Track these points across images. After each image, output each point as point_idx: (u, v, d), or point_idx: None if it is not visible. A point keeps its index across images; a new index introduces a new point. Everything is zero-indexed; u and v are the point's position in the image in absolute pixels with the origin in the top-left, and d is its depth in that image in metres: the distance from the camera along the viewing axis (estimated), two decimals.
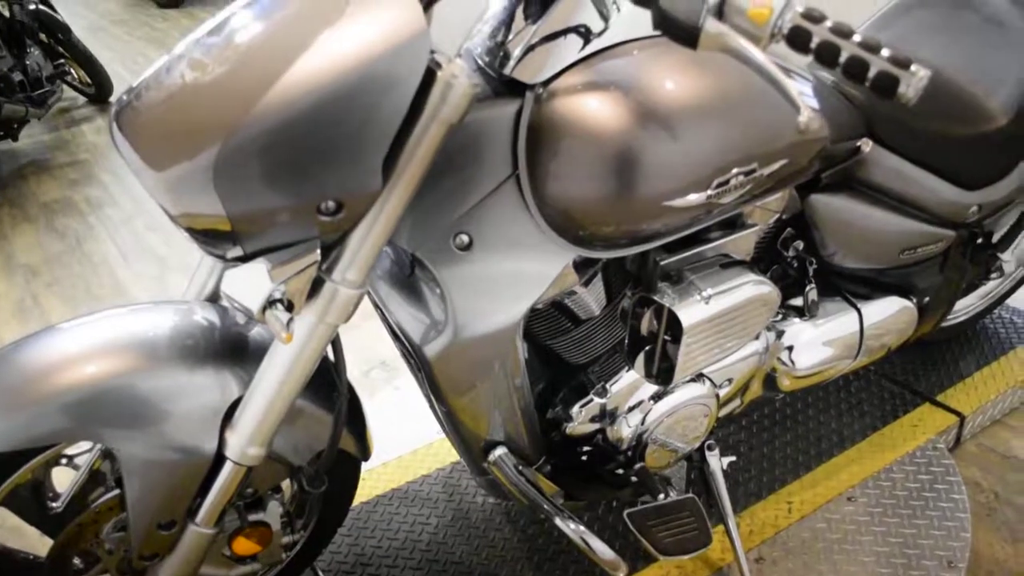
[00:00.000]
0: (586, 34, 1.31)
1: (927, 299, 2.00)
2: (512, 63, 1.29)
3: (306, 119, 1.06)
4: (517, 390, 1.50)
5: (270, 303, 1.13)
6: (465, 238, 1.33)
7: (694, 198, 1.36)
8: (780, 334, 1.79)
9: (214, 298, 1.46)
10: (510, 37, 1.32)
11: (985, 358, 2.44)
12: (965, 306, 2.45)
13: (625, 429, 1.64)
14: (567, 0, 1.30)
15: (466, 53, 1.40)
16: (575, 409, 1.60)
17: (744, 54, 1.05)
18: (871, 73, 1.02)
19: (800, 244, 1.75)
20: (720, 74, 1.36)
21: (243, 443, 1.29)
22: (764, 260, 1.78)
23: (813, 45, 1.03)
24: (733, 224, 1.57)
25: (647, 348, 1.53)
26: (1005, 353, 2.45)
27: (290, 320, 1.12)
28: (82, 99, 5.99)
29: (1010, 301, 2.60)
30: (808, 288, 1.78)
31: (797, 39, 1.03)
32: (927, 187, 1.81)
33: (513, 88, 1.30)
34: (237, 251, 1.14)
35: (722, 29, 1.05)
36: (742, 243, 1.58)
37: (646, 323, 1.52)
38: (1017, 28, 1.93)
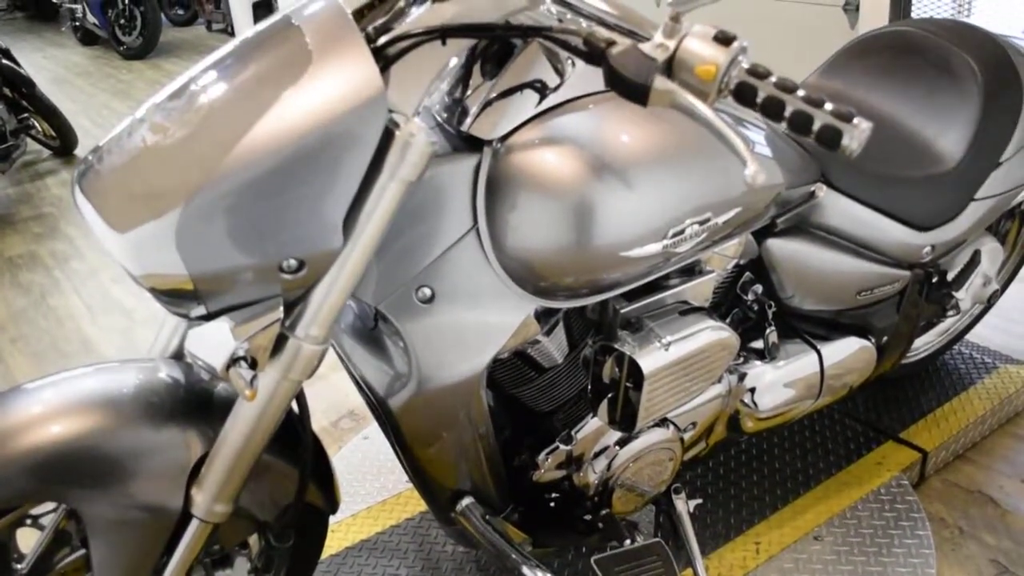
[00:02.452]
0: (542, 90, 1.34)
1: (885, 338, 2.03)
2: (470, 119, 1.32)
3: (266, 180, 1.08)
4: (482, 439, 1.51)
5: (234, 361, 1.13)
6: (427, 291, 1.34)
7: (651, 248, 1.39)
8: (742, 377, 1.81)
9: (179, 355, 1.46)
10: (468, 93, 1.35)
11: (946, 394, 2.46)
12: (924, 343, 2.48)
13: (591, 475, 1.65)
14: (523, 57, 1.33)
15: (424, 110, 1.42)
16: (541, 457, 1.62)
17: (692, 110, 1.08)
18: (815, 126, 1.05)
19: (759, 288, 1.78)
20: (673, 127, 1.39)
21: (209, 500, 1.29)
22: (724, 304, 1.80)
23: (759, 100, 1.06)
24: (691, 271, 1.60)
25: (610, 395, 1.55)
26: (966, 388, 2.48)
27: (254, 377, 1.13)
28: (47, 152, 5.97)
29: (969, 336, 2.64)
30: (768, 331, 1.81)
31: (743, 95, 1.07)
32: (881, 229, 1.85)
33: (471, 143, 1.32)
34: (200, 310, 1.15)
35: (670, 86, 1.08)
36: (700, 289, 1.61)
37: (608, 371, 1.53)
38: (962, 71, 1.98)
